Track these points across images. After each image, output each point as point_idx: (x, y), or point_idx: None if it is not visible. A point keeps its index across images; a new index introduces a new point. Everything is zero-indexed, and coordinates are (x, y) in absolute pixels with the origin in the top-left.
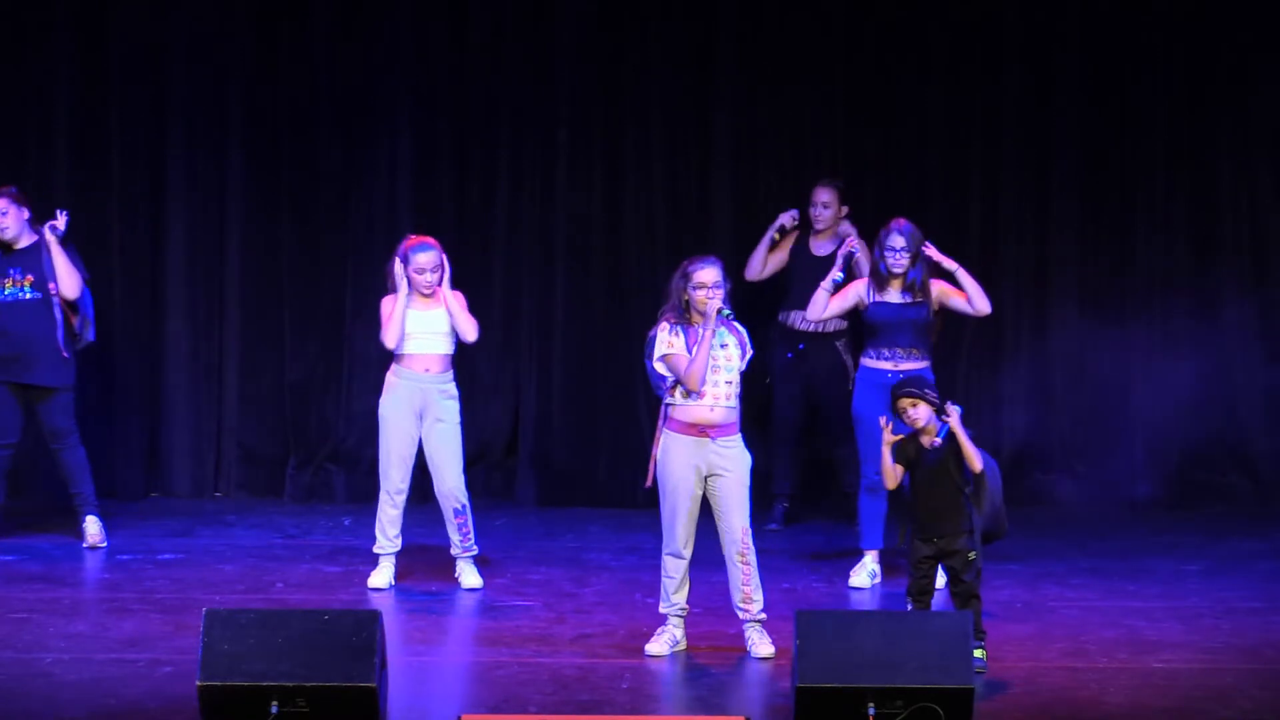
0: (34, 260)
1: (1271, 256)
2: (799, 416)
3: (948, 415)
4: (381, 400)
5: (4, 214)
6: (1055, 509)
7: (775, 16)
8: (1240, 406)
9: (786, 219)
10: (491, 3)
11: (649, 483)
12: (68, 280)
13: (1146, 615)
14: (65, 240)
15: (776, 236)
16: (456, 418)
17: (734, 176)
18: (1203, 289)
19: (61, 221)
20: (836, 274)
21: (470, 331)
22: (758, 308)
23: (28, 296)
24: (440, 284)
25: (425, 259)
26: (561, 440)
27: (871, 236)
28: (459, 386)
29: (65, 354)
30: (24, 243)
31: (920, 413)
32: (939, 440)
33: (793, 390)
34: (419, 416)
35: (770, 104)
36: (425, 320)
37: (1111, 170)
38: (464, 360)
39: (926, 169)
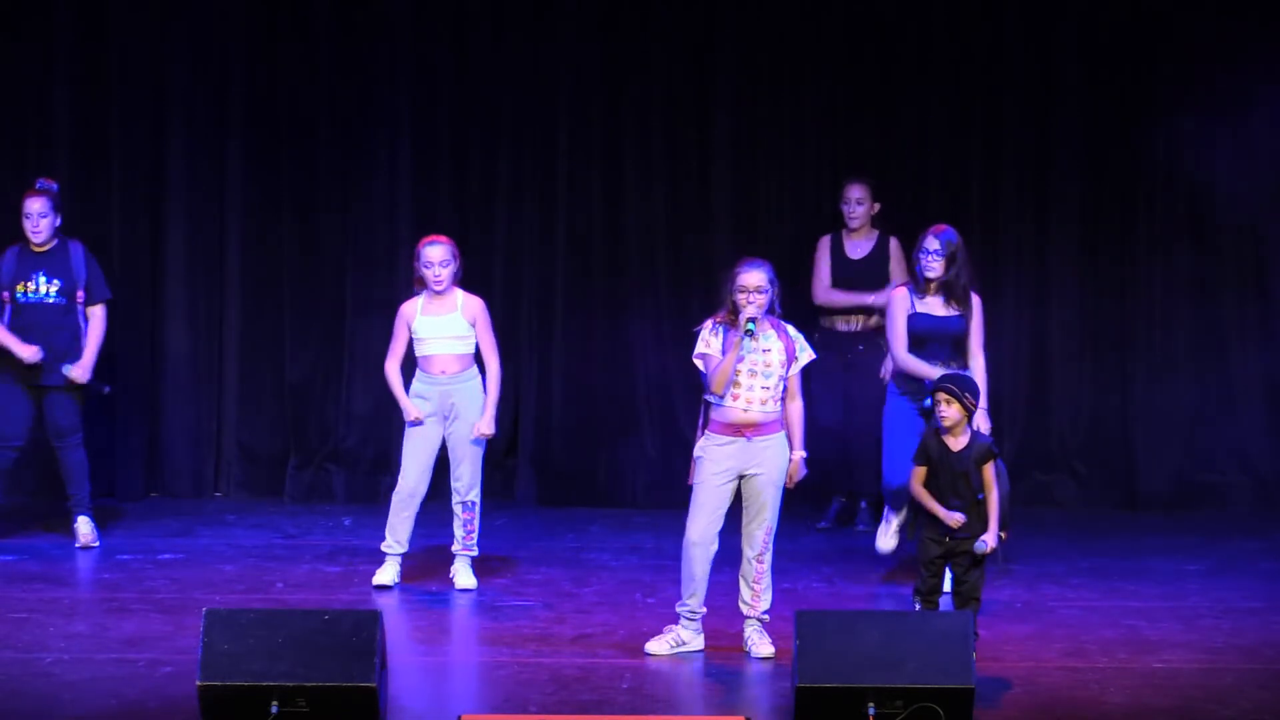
0: (62, 264)
1: (1272, 255)
2: (833, 421)
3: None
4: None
5: (43, 216)
6: (1055, 509)
7: (775, 16)
8: (1240, 406)
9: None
10: (491, 4)
11: (690, 480)
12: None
13: (1146, 615)
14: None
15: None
16: (480, 415)
17: (734, 176)
18: (1203, 288)
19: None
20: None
21: (492, 359)
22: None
23: (53, 301)
24: (451, 281)
25: (433, 253)
26: (561, 440)
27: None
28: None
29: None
30: (50, 245)
31: (951, 411)
32: (965, 439)
33: (829, 395)
34: (443, 419)
35: (770, 104)
36: (438, 325)
37: (1111, 170)
38: None
39: (926, 169)
